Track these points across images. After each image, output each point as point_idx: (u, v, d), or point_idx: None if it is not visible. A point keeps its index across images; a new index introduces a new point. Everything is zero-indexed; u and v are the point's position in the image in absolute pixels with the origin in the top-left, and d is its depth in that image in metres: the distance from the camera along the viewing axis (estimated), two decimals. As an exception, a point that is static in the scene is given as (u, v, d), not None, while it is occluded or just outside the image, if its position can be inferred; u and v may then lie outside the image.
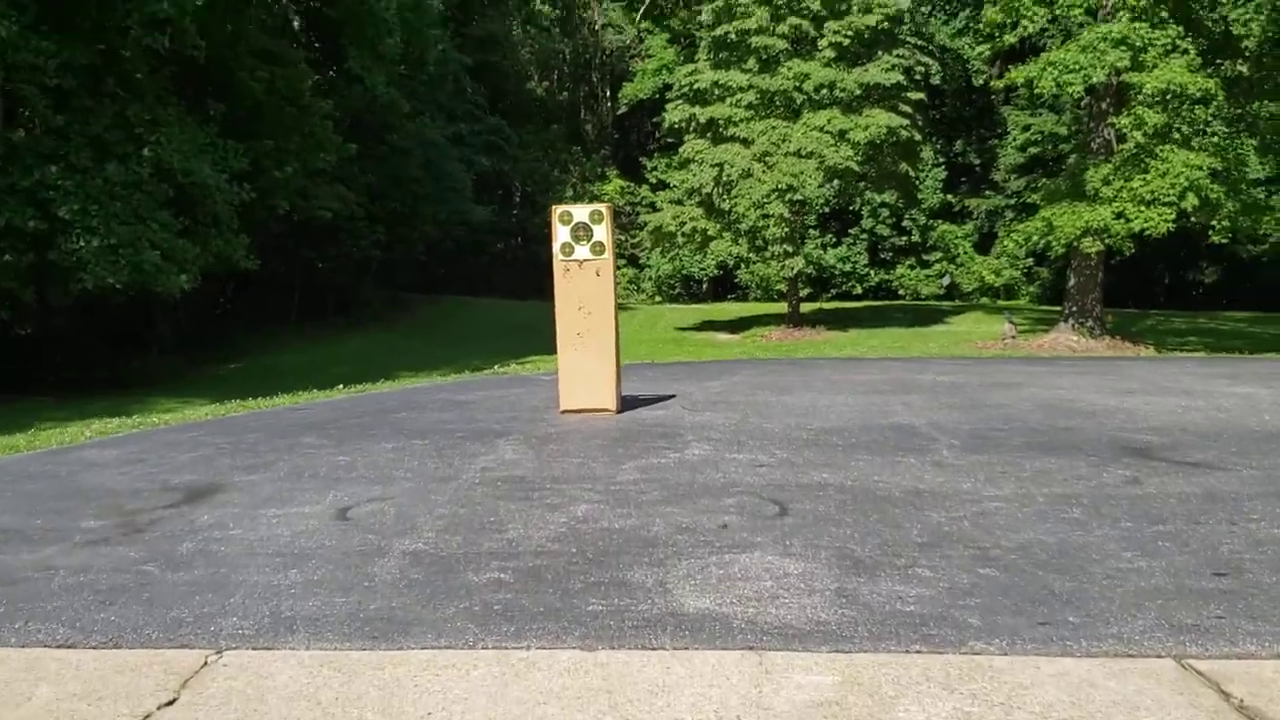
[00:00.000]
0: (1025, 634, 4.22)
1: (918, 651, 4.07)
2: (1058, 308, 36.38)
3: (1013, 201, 42.04)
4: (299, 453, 8.42)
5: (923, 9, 39.51)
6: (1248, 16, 22.33)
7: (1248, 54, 23.03)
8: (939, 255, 42.74)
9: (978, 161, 44.17)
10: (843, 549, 5.38)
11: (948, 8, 42.54)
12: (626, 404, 10.22)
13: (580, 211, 9.77)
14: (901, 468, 7.44)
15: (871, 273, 42.75)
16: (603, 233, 9.65)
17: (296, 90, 28.64)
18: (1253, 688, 3.69)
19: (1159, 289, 40.34)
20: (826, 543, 5.50)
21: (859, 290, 42.55)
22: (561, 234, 9.71)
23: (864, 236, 42.52)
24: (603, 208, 9.76)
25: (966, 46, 40.10)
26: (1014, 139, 41.66)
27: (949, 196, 43.00)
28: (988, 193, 43.06)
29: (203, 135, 25.16)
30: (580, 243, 9.67)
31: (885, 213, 41.16)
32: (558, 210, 9.78)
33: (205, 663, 4.08)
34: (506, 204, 44.00)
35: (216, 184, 24.69)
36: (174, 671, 3.97)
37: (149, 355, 31.60)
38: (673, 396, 11.18)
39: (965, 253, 42.52)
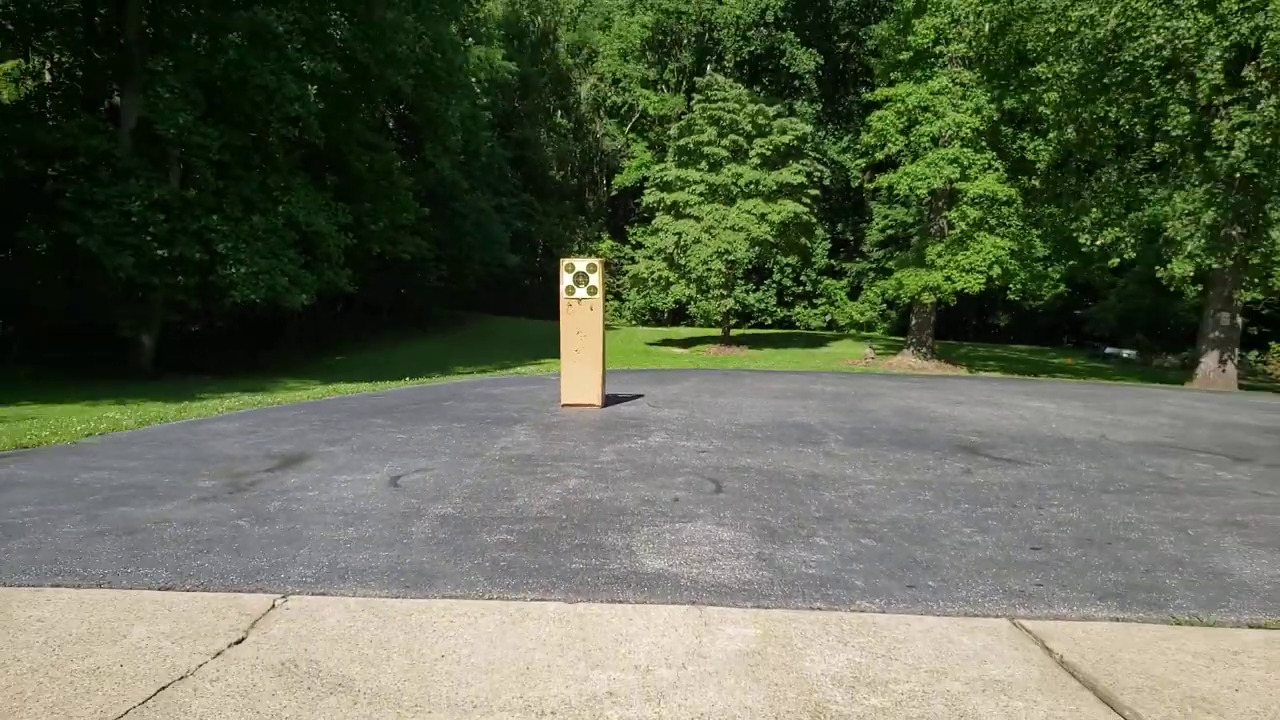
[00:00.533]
0: (898, 595, 3.78)
1: (819, 609, 3.62)
2: (902, 338, 36.17)
3: (874, 265, 41.71)
4: (370, 430, 7.83)
5: (819, 133, 39.23)
6: (1039, 147, 22.07)
7: (1038, 172, 22.76)
8: (823, 300, 42.38)
9: (852, 237, 43.90)
10: (762, 520, 4.91)
11: (836, 132, 42.21)
12: (608, 401, 9.68)
13: (580, 263, 9.18)
14: (803, 456, 6.97)
15: (778, 310, 42.26)
16: (596, 279, 9.10)
17: (388, 169, 28.01)
18: (1068, 645, 3.28)
19: (969, 328, 40.15)
20: (750, 515, 5.02)
21: (769, 321, 42.06)
22: (566, 279, 9.15)
23: (773, 285, 42.08)
24: (597, 261, 9.20)
25: (848, 159, 39.80)
26: (876, 223, 41.34)
27: (831, 260, 42.66)
28: (857, 259, 42.73)
29: (320, 198, 24.50)
30: (579, 286, 9.12)
31: (789, 270, 40.78)
32: (564, 262, 9.20)
33: (273, 605, 3.56)
34: (533, 254, 43.35)
35: (329, 232, 24.06)
36: (246, 613, 3.46)
37: (281, 350, 30.91)
38: (641, 396, 10.70)
39: (841, 299, 42.17)
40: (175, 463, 6.39)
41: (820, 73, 41.05)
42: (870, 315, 41.28)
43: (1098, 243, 19.97)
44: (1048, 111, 20.79)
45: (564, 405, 9.34)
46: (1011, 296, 24.43)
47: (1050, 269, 25.41)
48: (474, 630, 3.32)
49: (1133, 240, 19.71)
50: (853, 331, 40.67)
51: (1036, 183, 23.00)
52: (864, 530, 4.76)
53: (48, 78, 26.97)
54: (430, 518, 4.85)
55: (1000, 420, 9.29)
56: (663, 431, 7.92)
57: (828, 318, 41.99)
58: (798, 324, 42.06)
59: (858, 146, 43.25)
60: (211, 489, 5.51)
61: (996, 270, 23.73)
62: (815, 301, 42.43)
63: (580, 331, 9.17)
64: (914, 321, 26.84)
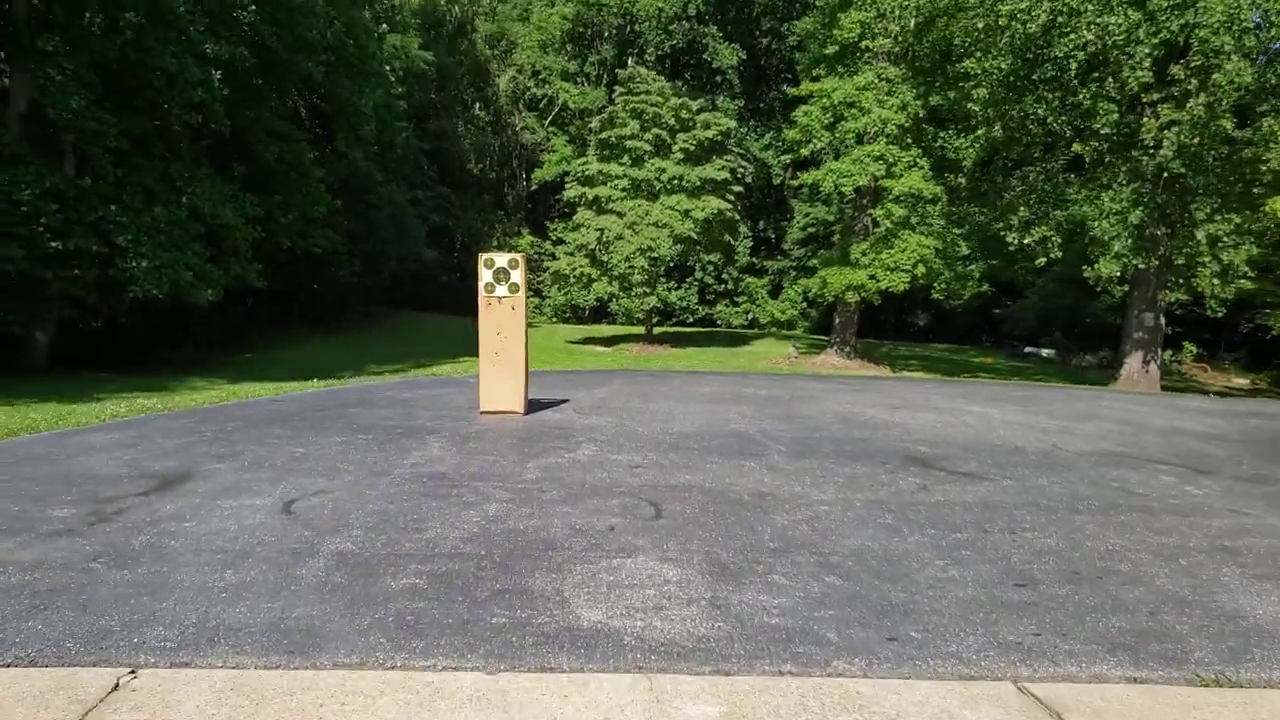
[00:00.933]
0: (879, 651, 3.22)
1: (790, 673, 3.03)
2: (825, 337, 36.27)
3: (795, 264, 41.80)
4: (265, 443, 6.95)
5: (741, 129, 39.01)
6: (964, 146, 22.12)
7: (964, 170, 22.84)
8: (745, 298, 42.27)
9: (773, 235, 43.89)
10: (710, 553, 4.31)
11: (758, 129, 42.13)
12: (531, 407, 8.95)
13: (501, 258, 8.37)
14: (745, 471, 6.38)
15: (699, 308, 41.96)
16: (518, 276, 8.32)
17: (299, 160, 26.59)
18: (1087, 718, 2.74)
19: (889, 327, 40.49)
20: (696, 547, 4.41)
21: (690, 320, 41.74)
22: (485, 275, 8.33)
23: (695, 283, 41.76)
24: (518, 256, 8.40)
25: (770, 156, 39.68)
26: (798, 221, 41.40)
27: (753, 259, 42.55)
28: (778, 257, 42.73)
29: (227, 189, 23.10)
30: (500, 283, 8.34)
31: (710, 268, 40.50)
32: (483, 256, 8.36)
33: (116, 685, 2.81)
34: (450, 249, 42.04)
35: (236, 225, 22.71)
36: (78, 699, 2.70)
37: (188, 347, 29.17)
38: (566, 401, 10.00)
39: (763, 297, 42.13)
40: (31, 485, 5.45)
41: (742, 68, 40.89)
42: (791, 314, 41.33)
43: (1025, 241, 20.07)
44: (975, 108, 20.76)
45: (483, 413, 8.53)
46: (936, 295, 24.54)
47: (972, 267, 25.61)
48: (372, 717, 2.62)
49: (1059, 240, 19.86)
50: (773, 330, 40.67)
51: (962, 180, 23.06)
52: (826, 564, 4.20)
53: (-81, 54, 24.76)
54: (326, 556, 4.11)
55: (946, 428, 8.88)
56: (592, 443, 7.24)
57: (750, 316, 41.87)
58: (719, 322, 41.84)
59: (780, 143, 43.30)
60: (67, 520, 4.64)
61: (921, 269, 23.77)
62: (737, 300, 42.28)
63: (501, 332, 8.41)
64: (837, 320, 26.76)
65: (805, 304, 40.91)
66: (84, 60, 19.83)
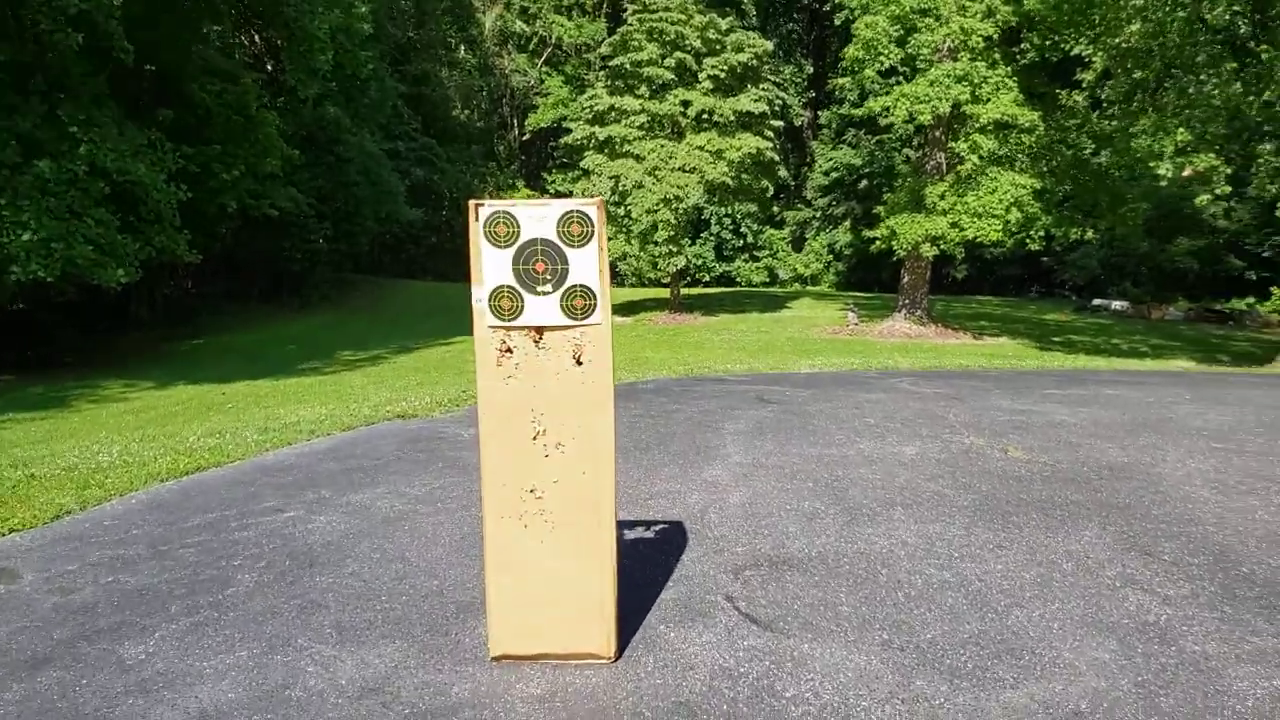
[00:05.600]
0: None
1: None
2: (860, 294, 30.68)
3: (817, 214, 36.07)
4: None
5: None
6: (1084, 47, 16.26)
7: (1082, 86, 17.11)
8: (765, 252, 36.41)
9: (793, 183, 37.87)
10: None
11: (778, 64, 35.84)
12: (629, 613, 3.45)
13: (537, 215, 2.58)
14: None
15: (717, 265, 36.16)
16: (588, 262, 2.61)
17: (243, 103, 20.36)
18: None
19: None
20: None
21: (706, 278, 36.02)
22: (494, 265, 2.63)
23: (711, 238, 35.86)
24: (589, 206, 2.61)
25: (790, 94, 33.61)
26: (820, 166, 35.55)
27: (771, 208, 36.66)
28: (799, 206, 36.93)
29: (140, 136, 17.01)
30: (536, 285, 2.71)
31: (728, 221, 34.66)
32: (485, 211, 2.58)
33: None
34: (437, 207, 35.79)
35: (152, 183, 16.70)
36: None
37: (130, 333, 23.30)
38: (682, 535, 4.51)
39: (783, 250, 36.35)
40: None
41: (757, -5, 34.52)
42: (816, 268, 35.65)
43: (1185, 173, 14.39)
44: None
45: (498, 659, 2.87)
46: (1032, 246, 18.83)
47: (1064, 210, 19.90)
48: None
49: (1227, 170, 14.19)
50: (797, 286, 35.02)
51: (1078, 99, 17.23)
52: None
53: None
54: None
55: None
56: None
57: (772, 272, 36.06)
58: (738, 280, 36.09)
59: (799, 79, 37.25)
60: None
61: (1015, 214, 18.10)
62: (757, 254, 36.42)
63: (544, 430, 2.69)
64: (906, 279, 21.03)
65: (830, 257, 35.22)
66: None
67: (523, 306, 2.65)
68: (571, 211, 2.61)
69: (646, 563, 3.70)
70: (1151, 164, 15.03)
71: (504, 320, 2.66)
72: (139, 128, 17.45)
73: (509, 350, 2.68)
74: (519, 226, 2.61)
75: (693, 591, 3.38)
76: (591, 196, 2.85)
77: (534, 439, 2.71)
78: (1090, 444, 5.93)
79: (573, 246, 2.62)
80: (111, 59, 16.33)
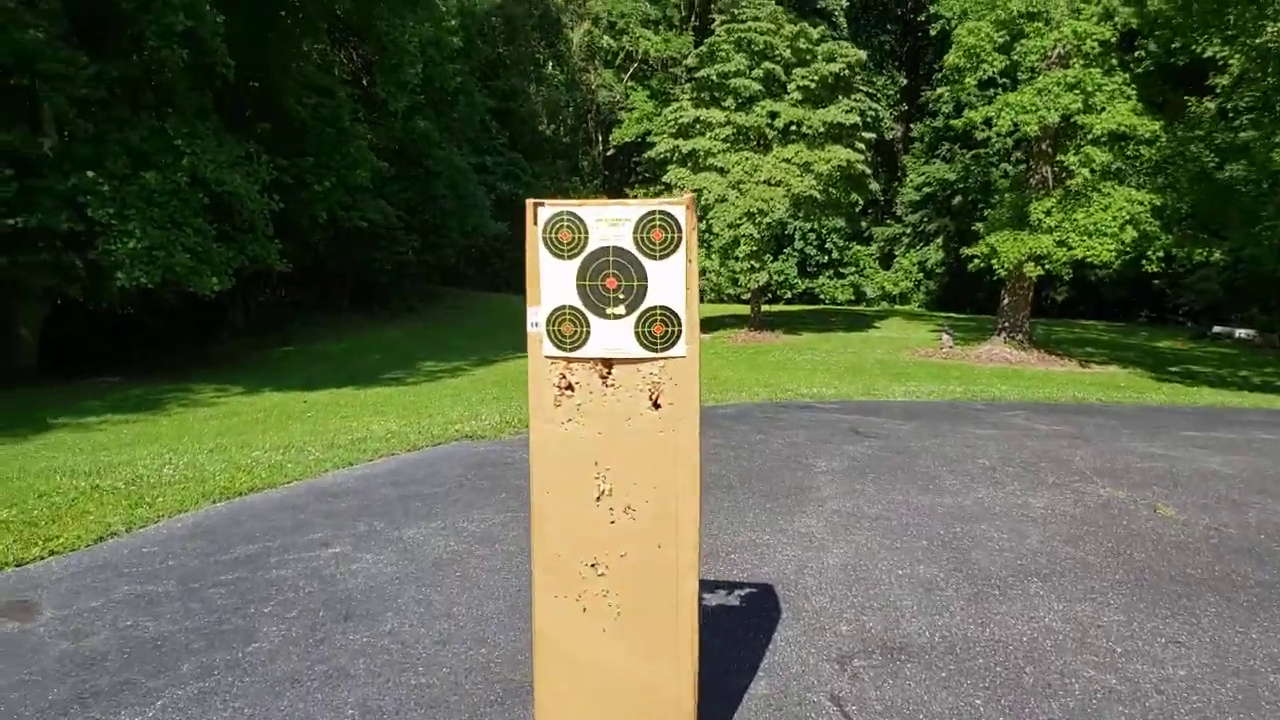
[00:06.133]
0: None
1: None
2: (956, 315, 29.29)
3: (908, 230, 34.71)
4: None
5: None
6: (1219, 49, 14.92)
7: (1218, 91, 15.78)
8: (851, 269, 35.22)
9: (883, 198, 36.59)
10: None
11: (870, 77, 34.76)
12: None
13: (609, 218, 2.02)
14: None
15: (800, 282, 35.12)
16: (672, 277, 2.02)
17: (337, 116, 20.65)
18: None
19: (1017, 300, 33.16)
20: None
21: (788, 295, 35.01)
22: (554, 279, 2.08)
23: (794, 253, 34.88)
24: (676, 206, 2.01)
25: (881, 107, 32.46)
26: (911, 180, 34.22)
27: (860, 224, 35.46)
28: (889, 222, 35.65)
29: (237, 149, 17.32)
30: (609, 306, 2.16)
31: (813, 236, 33.67)
32: (545, 213, 2.04)
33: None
34: (520, 221, 35.83)
35: (247, 194, 16.97)
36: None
37: (223, 341, 23.85)
38: (773, 604, 3.88)
39: (871, 267, 35.08)
40: None
41: (850, 3, 33.48)
42: (905, 286, 34.26)
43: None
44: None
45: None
46: (1150, 268, 17.39)
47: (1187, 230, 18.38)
48: None
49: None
50: (884, 305, 33.71)
51: (1209, 106, 15.85)
52: None
53: None
54: None
55: None
56: None
57: (858, 290, 34.83)
58: (822, 297, 34.99)
59: (892, 92, 36.05)
60: None
61: (1130, 233, 16.77)
62: (843, 271, 35.25)
63: (609, 490, 2.10)
64: (1006, 301, 19.78)
65: (921, 275, 33.81)
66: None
67: (588, 333, 2.07)
68: (653, 214, 2.02)
69: (731, 640, 3.07)
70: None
71: (565, 349, 2.09)
72: (237, 140, 17.76)
73: (569, 388, 2.11)
74: (586, 232, 2.05)
75: (789, 686, 2.73)
76: (679, 195, 2.25)
77: (597, 500, 2.13)
78: (1259, 503, 5.01)
79: (653, 258, 2.04)
80: (215, 75, 16.64)
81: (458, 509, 4.70)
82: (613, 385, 2.09)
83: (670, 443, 2.09)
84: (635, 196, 33.19)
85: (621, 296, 2.05)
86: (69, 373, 17.30)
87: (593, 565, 2.14)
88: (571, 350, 2.09)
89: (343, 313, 26.94)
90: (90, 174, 15.17)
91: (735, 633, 3.13)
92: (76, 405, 13.13)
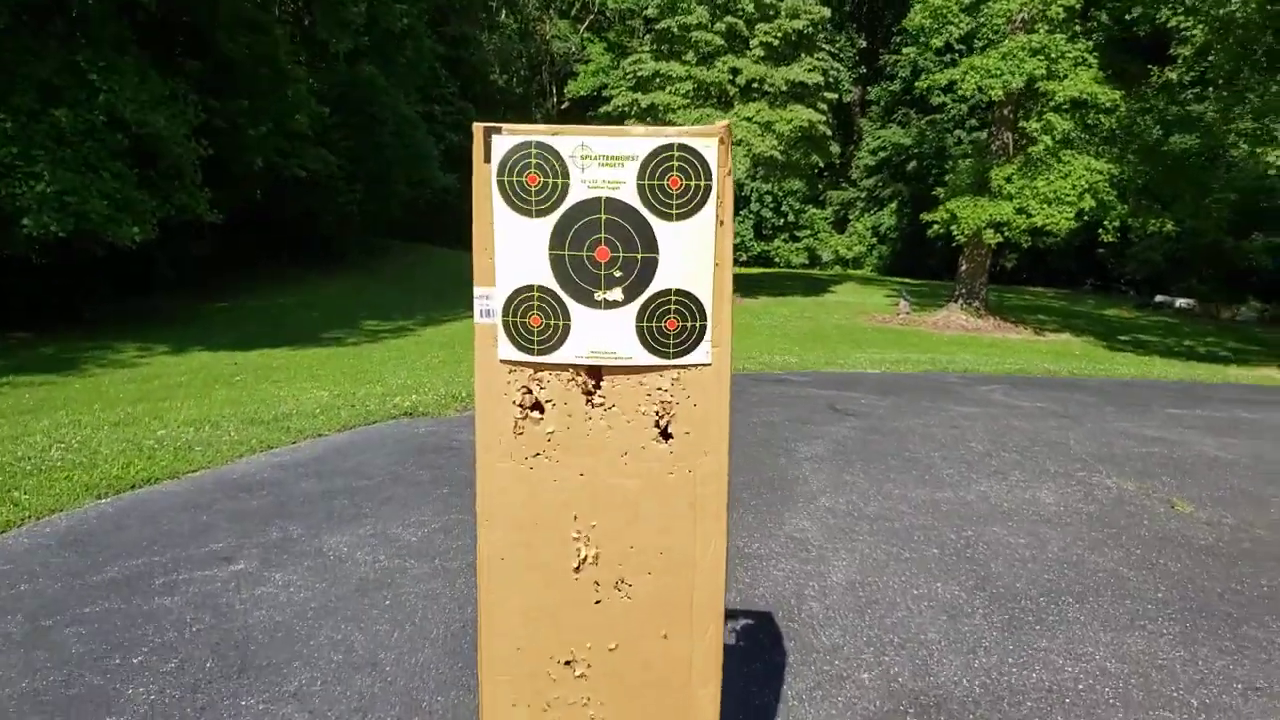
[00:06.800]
0: None
1: None
2: (904, 280, 29.06)
3: (863, 194, 34.32)
4: None
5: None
6: (1181, 18, 14.53)
7: (1182, 60, 15.42)
8: (806, 233, 34.75)
9: (838, 162, 36.05)
10: None
11: (829, 32, 33.98)
12: None
13: (603, 151, 1.29)
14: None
15: (756, 244, 34.54)
16: (695, 246, 1.31)
17: (274, 55, 19.20)
18: None
19: (966, 266, 33.11)
20: None
21: (744, 258, 34.42)
22: (515, 246, 1.35)
23: (750, 215, 34.25)
24: (705, 139, 1.30)
25: (834, 69, 31.76)
26: (867, 144, 33.74)
27: (817, 187, 34.91)
28: (844, 186, 35.18)
29: (163, 87, 15.89)
30: (599, 288, 1.41)
31: (769, 199, 33.04)
32: (502, 145, 1.30)
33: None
34: (471, 173, 34.45)
35: (173, 136, 15.61)
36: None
37: (154, 293, 22.31)
38: (775, 642, 3.25)
39: (825, 231, 34.67)
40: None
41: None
42: (858, 250, 33.98)
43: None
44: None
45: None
46: (1106, 238, 17.18)
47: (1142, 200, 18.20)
48: None
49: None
50: (837, 269, 33.40)
51: (1172, 77, 15.52)
52: None
53: None
54: None
55: None
56: None
57: (817, 254, 34.40)
58: (777, 260, 34.50)
59: (851, 54, 35.34)
60: None
61: (1089, 201, 16.52)
62: (798, 235, 34.76)
63: (594, 552, 1.44)
64: (964, 267, 19.50)
65: (875, 239, 33.53)
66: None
67: (567, 328, 1.37)
68: (670, 149, 1.31)
69: (732, 698, 2.43)
70: (1259, 150, 13.32)
71: (531, 351, 1.38)
72: (162, 79, 16.30)
73: (537, 407, 1.40)
74: (565, 176, 1.33)
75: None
76: (715, 123, 1.50)
77: (577, 571, 1.44)
78: (1278, 496, 4.56)
79: (668, 217, 1.33)
80: (136, 3, 15.16)
81: (391, 509, 3.97)
82: (602, 405, 1.39)
83: (685, 489, 1.40)
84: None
85: (618, 275, 1.35)
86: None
87: (568, 664, 1.46)
88: (542, 352, 1.38)
89: (281, 267, 25.49)
90: (-12, 108, 13.74)
91: (735, 688, 2.49)
92: (-17, 365, 11.94)
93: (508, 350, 1.39)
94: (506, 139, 1.34)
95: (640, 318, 1.36)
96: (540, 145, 1.34)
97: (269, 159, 20.01)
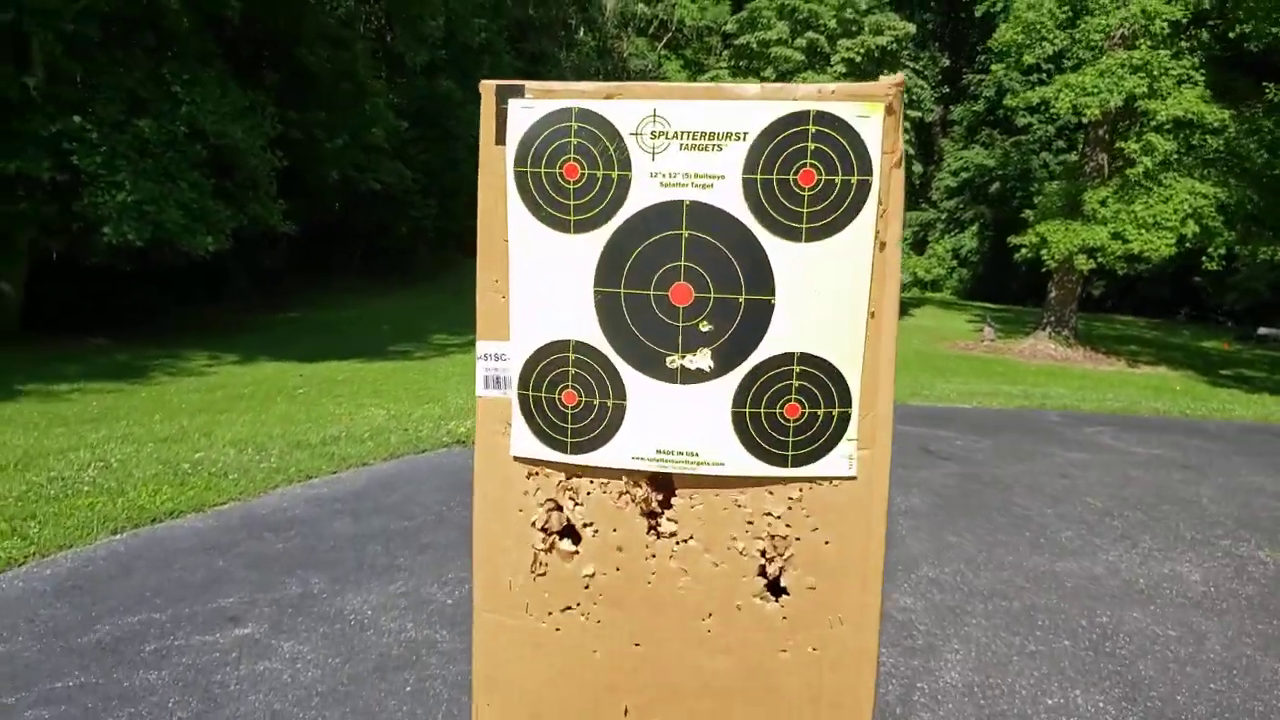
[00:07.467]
0: None
1: None
2: (989, 305, 27.84)
3: (943, 216, 33.14)
4: None
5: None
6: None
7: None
8: (882, 254, 33.64)
9: (918, 181, 34.97)
10: None
11: (913, 49, 33.05)
12: None
13: (672, 128, 0.80)
14: None
15: (829, 264, 33.62)
16: (835, 282, 0.84)
17: (352, 69, 19.40)
18: None
19: (1051, 293, 31.58)
20: None
21: (817, 277, 33.50)
22: (543, 285, 0.88)
23: (823, 235, 33.34)
24: (859, 104, 0.78)
25: (921, 88, 30.76)
26: (949, 165, 32.59)
27: (890, 207, 33.85)
28: (924, 207, 34.04)
29: (243, 99, 16.10)
30: (669, 353, 0.90)
31: (844, 217, 32.16)
32: (525, 118, 0.89)
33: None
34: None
35: (250, 148, 15.79)
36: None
37: (227, 303, 22.72)
38: None
39: (904, 252, 33.49)
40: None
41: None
42: (937, 273, 32.74)
43: None
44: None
45: None
46: (1210, 266, 15.94)
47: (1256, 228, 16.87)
48: None
49: None
50: (916, 290, 32.22)
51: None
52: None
53: None
54: None
55: None
56: None
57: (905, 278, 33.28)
58: (851, 281, 33.44)
59: (933, 72, 34.27)
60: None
61: (1192, 227, 15.34)
62: (873, 256, 33.64)
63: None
64: (1053, 294, 18.40)
65: (955, 262, 32.28)
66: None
67: (620, 410, 0.83)
68: (802, 120, 0.77)
69: None
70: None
71: (562, 446, 0.85)
72: (243, 91, 16.52)
73: (569, 534, 0.87)
74: (624, 166, 0.80)
75: None
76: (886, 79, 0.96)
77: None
78: None
79: (794, 235, 0.79)
80: (221, 17, 15.41)
81: (427, 561, 3.49)
82: (674, 536, 0.85)
83: (806, 676, 0.85)
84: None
85: (707, 329, 0.81)
86: (56, 333, 16.25)
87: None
88: (580, 449, 0.85)
89: (353, 279, 25.76)
90: (77, 119, 14.00)
91: None
92: (53, 369, 12.07)
93: (526, 443, 0.87)
94: (531, 105, 0.82)
95: (740, 400, 0.82)
96: (586, 115, 0.82)
97: (345, 171, 20.20)
